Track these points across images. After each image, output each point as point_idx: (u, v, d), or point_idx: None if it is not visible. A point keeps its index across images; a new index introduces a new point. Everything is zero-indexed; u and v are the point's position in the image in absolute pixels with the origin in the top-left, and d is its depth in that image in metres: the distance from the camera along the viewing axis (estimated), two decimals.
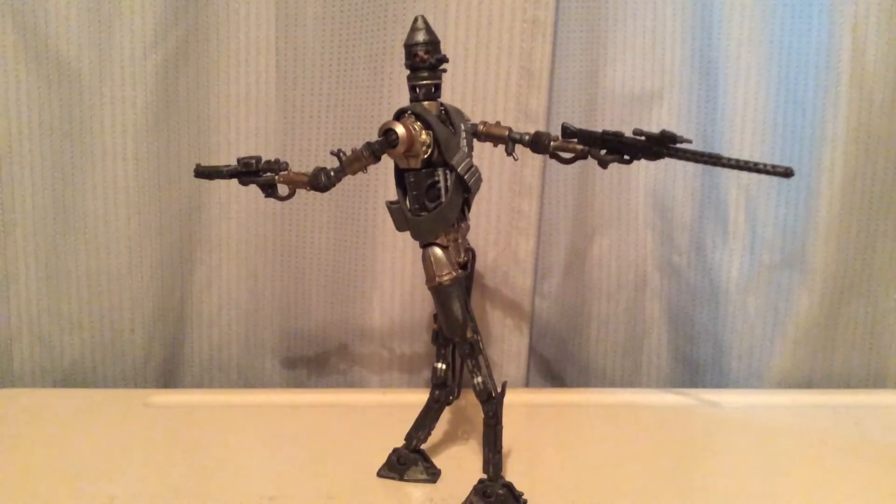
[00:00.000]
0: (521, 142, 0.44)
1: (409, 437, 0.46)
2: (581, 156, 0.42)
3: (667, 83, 0.61)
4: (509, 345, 0.61)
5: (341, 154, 0.41)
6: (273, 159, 0.46)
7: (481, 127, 0.45)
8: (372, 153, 0.40)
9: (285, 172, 0.45)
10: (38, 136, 0.59)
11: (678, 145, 0.39)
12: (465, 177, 0.42)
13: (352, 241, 0.62)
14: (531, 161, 0.57)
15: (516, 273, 0.60)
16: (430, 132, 0.41)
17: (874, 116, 0.57)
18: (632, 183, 0.63)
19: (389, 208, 0.43)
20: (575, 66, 0.60)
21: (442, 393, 0.46)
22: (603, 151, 0.41)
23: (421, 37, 0.42)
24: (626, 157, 0.40)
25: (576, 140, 0.42)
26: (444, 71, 0.43)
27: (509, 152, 0.44)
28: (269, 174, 0.46)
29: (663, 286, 0.65)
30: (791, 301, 0.61)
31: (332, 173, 0.41)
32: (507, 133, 0.44)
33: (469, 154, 0.43)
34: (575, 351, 0.66)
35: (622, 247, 0.64)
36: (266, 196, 0.46)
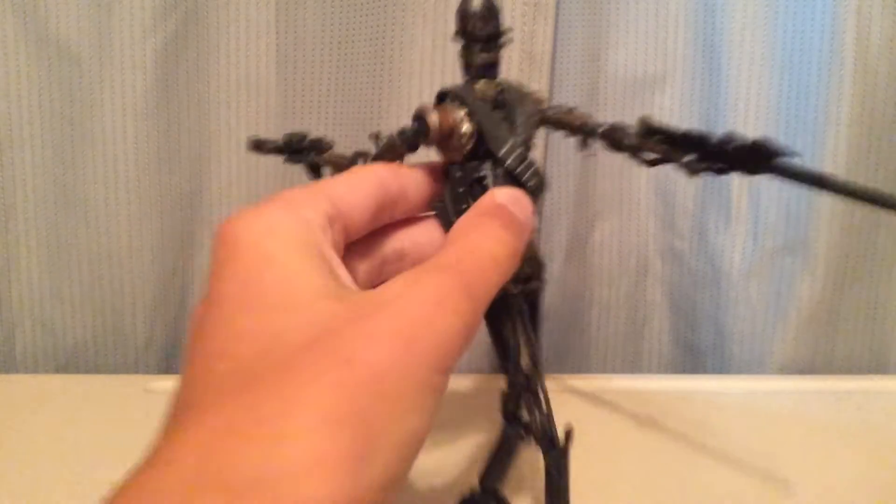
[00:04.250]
0: (593, 135, 0.34)
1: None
2: (667, 159, 0.32)
3: (670, 67, 0.61)
4: None
5: (379, 139, 0.36)
6: (318, 137, 0.43)
7: (551, 112, 0.36)
8: (404, 142, 0.33)
9: (329, 153, 0.41)
10: (38, 119, 0.59)
11: (784, 161, 0.29)
12: (517, 172, 0.33)
13: None
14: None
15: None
16: (474, 121, 0.33)
17: (878, 100, 0.57)
18: (634, 167, 0.63)
19: (435, 207, 0.35)
20: (577, 50, 0.60)
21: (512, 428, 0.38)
22: (692, 156, 0.32)
23: (477, 4, 0.34)
24: (721, 165, 0.31)
25: (659, 138, 0.33)
26: (504, 45, 0.35)
27: (583, 147, 0.35)
28: (311, 156, 0.42)
29: (665, 271, 0.65)
30: (793, 286, 0.61)
31: (367, 160, 0.36)
32: (579, 123, 0.35)
33: (524, 144, 0.34)
34: (575, 336, 0.66)
35: (624, 232, 0.64)
36: (311, 179, 0.41)
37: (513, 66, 0.56)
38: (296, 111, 0.61)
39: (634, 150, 0.33)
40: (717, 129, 0.60)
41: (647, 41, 0.61)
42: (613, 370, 0.66)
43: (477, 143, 0.33)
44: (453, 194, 0.34)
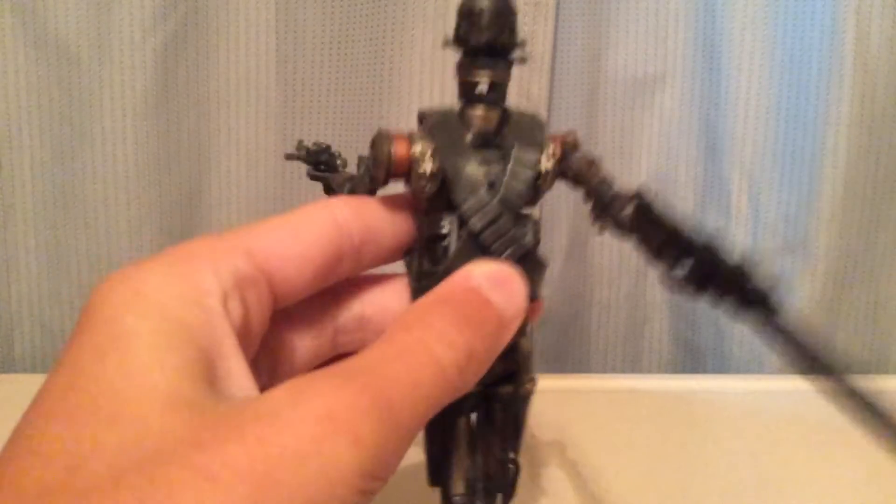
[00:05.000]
0: (602, 201, 0.26)
1: None
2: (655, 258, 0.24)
3: (670, 67, 0.61)
4: None
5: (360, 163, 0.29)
6: (335, 153, 0.37)
7: (571, 165, 0.27)
8: (367, 174, 0.26)
9: (338, 174, 0.35)
10: (38, 119, 0.59)
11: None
12: (483, 238, 0.25)
13: None
14: None
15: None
16: (438, 159, 0.25)
17: (878, 100, 0.57)
18: (634, 167, 0.63)
19: (406, 262, 0.27)
20: (577, 50, 0.60)
21: None
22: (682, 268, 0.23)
23: (485, 2, 0.25)
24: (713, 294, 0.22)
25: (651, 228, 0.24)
26: (519, 62, 0.27)
27: (594, 220, 0.27)
28: (325, 175, 0.36)
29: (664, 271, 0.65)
30: (793, 286, 0.61)
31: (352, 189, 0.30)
32: (595, 182, 0.26)
33: (504, 202, 0.25)
34: (576, 336, 0.66)
35: None
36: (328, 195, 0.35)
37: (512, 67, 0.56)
38: (296, 111, 0.60)
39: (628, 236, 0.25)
40: (718, 128, 0.60)
41: (647, 41, 0.61)
42: (613, 370, 0.66)
43: (442, 189, 0.25)
44: (418, 249, 0.26)
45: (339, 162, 0.37)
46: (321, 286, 0.24)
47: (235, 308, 0.21)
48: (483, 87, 0.26)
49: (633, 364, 0.66)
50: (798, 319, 0.20)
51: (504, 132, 0.26)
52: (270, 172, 0.61)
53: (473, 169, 0.25)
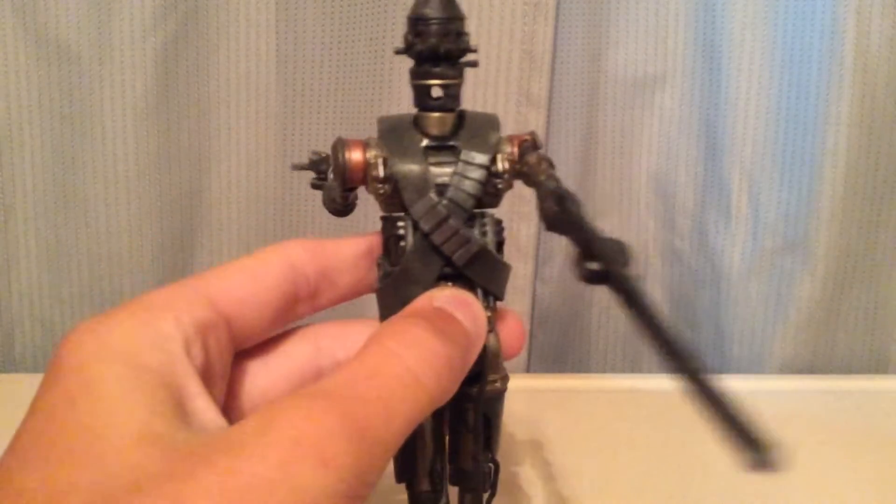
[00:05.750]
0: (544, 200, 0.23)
1: None
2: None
3: (670, 67, 0.61)
4: None
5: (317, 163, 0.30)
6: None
7: (524, 164, 0.26)
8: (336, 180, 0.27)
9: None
10: (38, 119, 0.59)
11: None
12: (432, 236, 0.25)
13: (353, 227, 0.62)
14: None
15: (517, 258, 0.60)
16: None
17: (878, 100, 0.57)
18: (633, 168, 0.63)
19: (378, 263, 0.28)
20: (577, 50, 0.60)
21: None
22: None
23: (433, 8, 0.25)
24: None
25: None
26: (470, 65, 0.27)
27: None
28: (324, 184, 0.36)
29: (665, 271, 0.65)
30: (793, 286, 0.61)
31: (324, 203, 0.31)
32: (541, 178, 0.24)
33: (453, 202, 0.26)
34: (576, 336, 0.66)
35: (624, 232, 0.64)
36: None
37: (513, 67, 0.56)
38: (296, 111, 0.60)
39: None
40: (718, 128, 0.60)
41: (647, 41, 0.61)
42: (613, 370, 0.66)
43: (395, 192, 0.26)
44: (381, 255, 0.27)
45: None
46: (280, 327, 0.25)
47: (197, 354, 0.21)
48: (435, 92, 0.26)
49: (633, 364, 0.66)
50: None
51: (459, 134, 0.27)
52: (270, 172, 0.61)
53: (422, 172, 0.26)
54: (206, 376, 0.21)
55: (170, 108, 0.60)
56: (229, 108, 0.61)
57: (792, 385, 0.57)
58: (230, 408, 0.24)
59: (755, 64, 0.59)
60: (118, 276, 0.61)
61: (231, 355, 0.23)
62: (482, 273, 0.26)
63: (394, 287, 0.26)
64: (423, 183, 0.26)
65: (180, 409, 0.19)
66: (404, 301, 0.25)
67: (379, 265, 0.27)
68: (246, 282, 0.24)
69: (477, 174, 0.26)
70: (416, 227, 0.26)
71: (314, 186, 0.35)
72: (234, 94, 0.60)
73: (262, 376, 0.25)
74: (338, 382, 0.19)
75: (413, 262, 0.25)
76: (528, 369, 0.63)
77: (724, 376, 0.63)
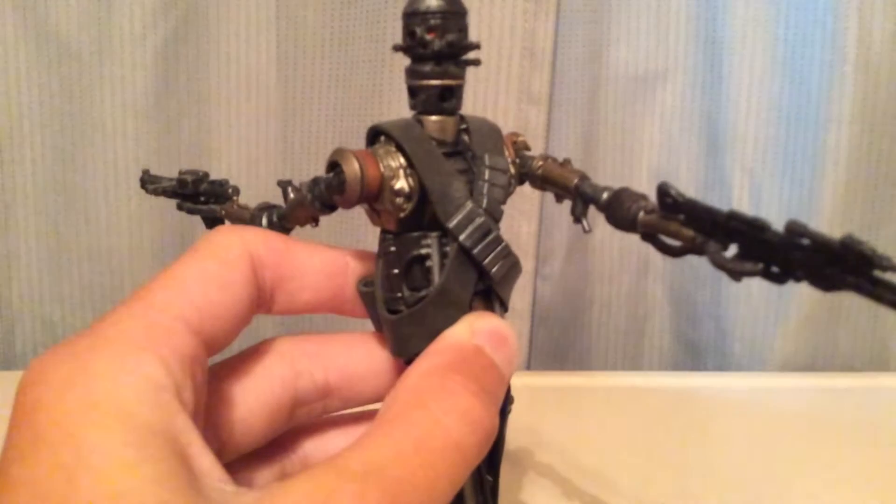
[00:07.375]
0: (594, 202, 0.25)
1: None
2: (694, 249, 0.22)
3: (671, 64, 0.61)
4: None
5: (289, 189, 0.28)
6: (220, 180, 0.35)
7: (538, 165, 0.26)
8: (316, 199, 0.24)
9: (229, 205, 0.34)
10: (39, 117, 0.59)
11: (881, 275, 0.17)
12: (475, 253, 0.23)
13: (352, 224, 0.62)
14: (532, 141, 0.56)
15: (518, 255, 0.60)
16: (414, 174, 0.23)
17: (880, 97, 0.57)
18: (634, 165, 0.63)
19: (360, 292, 0.25)
20: (578, 47, 0.60)
21: None
22: (734, 250, 0.21)
23: (431, 2, 0.23)
24: (776, 270, 0.21)
25: (683, 217, 0.22)
26: (472, 64, 0.25)
27: (576, 217, 0.25)
28: (210, 207, 0.34)
29: (665, 269, 0.65)
30: (794, 284, 0.60)
31: (273, 218, 0.29)
32: (574, 182, 0.25)
33: (488, 212, 0.24)
34: (576, 334, 0.66)
35: None
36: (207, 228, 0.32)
37: (513, 64, 0.56)
38: (296, 108, 0.60)
39: (648, 230, 0.23)
40: (719, 125, 0.60)
41: (648, 38, 0.61)
42: (614, 367, 0.66)
43: (419, 207, 0.23)
44: (385, 277, 0.24)
45: (229, 190, 0.33)
46: (237, 335, 0.23)
47: (189, 399, 0.19)
48: (442, 94, 0.24)
49: (633, 362, 0.66)
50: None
51: (466, 139, 0.25)
52: (270, 169, 0.61)
53: (450, 181, 0.23)
54: (195, 417, 0.19)
55: (170, 105, 0.60)
56: (230, 104, 0.61)
57: (793, 383, 0.57)
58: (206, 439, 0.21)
59: (756, 61, 0.59)
60: (118, 274, 0.61)
61: (207, 382, 0.21)
62: (507, 286, 0.24)
63: (432, 311, 0.23)
64: (458, 194, 0.23)
65: (188, 473, 0.17)
66: (431, 330, 0.23)
67: (367, 294, 0.25)
68: (216, 294, 0.21)
69: (503, 180, 0.25)
70: (443, 243, 0.24)
71: (190, 211, 0.33)
72: (235, 92, 0.60)
73: (239, 404, 0.23)
74: (385, 457, 0.17)
75: (453, 283, 0.23)
76: (528, 367, 0.63)
77: (725, 374, 0.64)
